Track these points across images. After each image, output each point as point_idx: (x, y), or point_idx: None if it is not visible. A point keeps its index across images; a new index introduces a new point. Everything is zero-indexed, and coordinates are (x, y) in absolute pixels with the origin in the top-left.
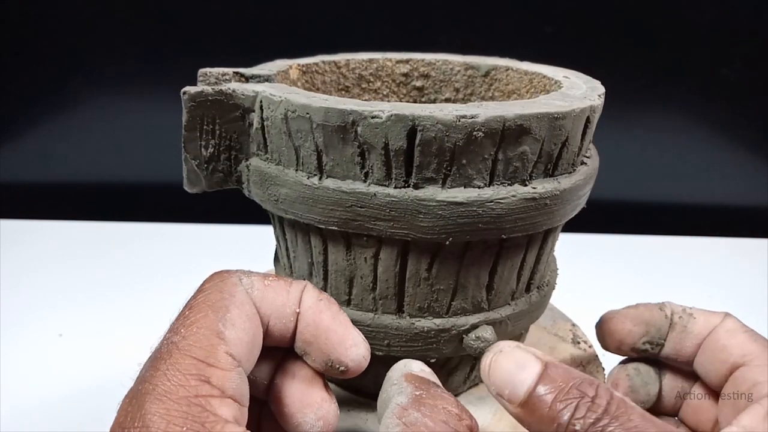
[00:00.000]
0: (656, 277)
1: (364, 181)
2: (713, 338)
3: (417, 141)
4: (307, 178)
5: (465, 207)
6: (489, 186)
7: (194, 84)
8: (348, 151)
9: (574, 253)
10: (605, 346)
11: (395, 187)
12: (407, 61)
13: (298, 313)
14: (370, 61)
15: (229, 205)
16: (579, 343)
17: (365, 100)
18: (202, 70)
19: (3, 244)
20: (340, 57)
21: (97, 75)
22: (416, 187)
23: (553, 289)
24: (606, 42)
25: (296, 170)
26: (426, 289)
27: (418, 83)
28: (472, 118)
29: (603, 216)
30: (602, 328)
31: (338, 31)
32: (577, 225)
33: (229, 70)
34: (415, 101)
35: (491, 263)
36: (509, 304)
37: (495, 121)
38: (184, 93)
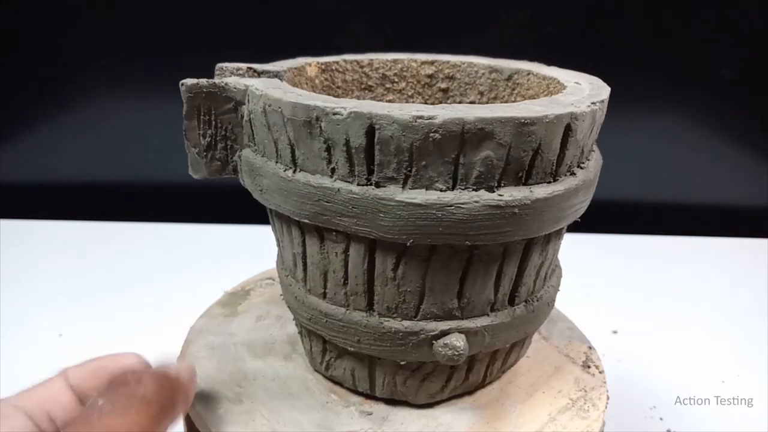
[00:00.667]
0: (656, 277)
1: (331, 177)
2: None
3: (376, 139)
4: (284, 171)
5: (424, 209)
6: (452, 190)
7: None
8: (315, 146)
9: (574, 253)
10: None
11: (358, 184)
12: (432, 63)
13: None
14: (395, 61)
15: (229, 205)
16: (589, 367)
17: (389, 100)
18: (219, 65)
19: (3, 244)
20: (364, 56)
21: (97, 75)
22: (377, 185)
23: (549, 305)
24: (606, 42)
25: (276, 162)
26: (393, 289)
27: (443, 85)
28: (429, 119)
29: (603, 216)
30: None
31: (335, 32)
32: (577, 225)
33: (243, 66)
34: (440, 102)
35: (461, 270)
36: (487, 315)
37: (453, 123)
38: (182, 84)
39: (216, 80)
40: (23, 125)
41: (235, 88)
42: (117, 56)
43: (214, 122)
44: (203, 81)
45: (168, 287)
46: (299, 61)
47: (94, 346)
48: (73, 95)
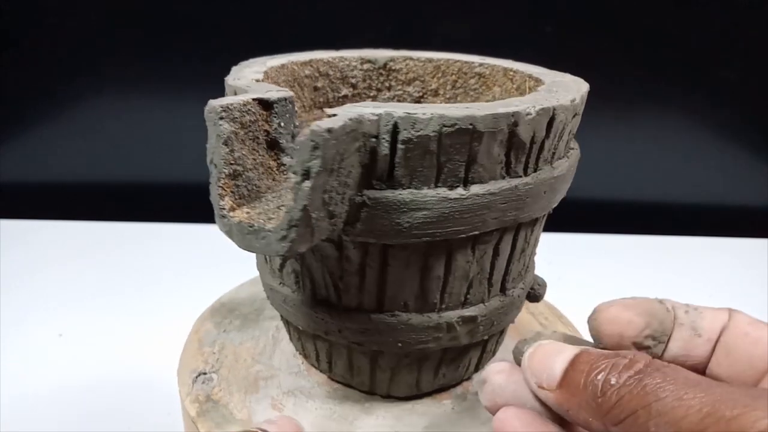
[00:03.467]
0: (656, 277)
1: (504, 178)
2: (730, 341)
3: (553, 127)
4: (451, 191)
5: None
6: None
7: (194, 85)
8: (495, 152)
9: (574, 253)
10: (600, 340)
11: (527, 174)
12: (309, 62)
13: None
14: (282, 66)
15: None
16: None
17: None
18: (222, 104)
19: (3, 244)
20: (269, 65)
21: (98, 75)
22: (539, 170)
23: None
24: (606, 42)
25: (434, 188)
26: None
27: (319, 84)
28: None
29: (602, 216)
30: (598, 319)
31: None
32: (577, 225)
33: (248, 98)
34: (312, 101)
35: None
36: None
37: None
38: (329, 131)
39: (353, 115)
40: (23, 125)
41: (369, 120)
42: (117, 56)
43: (340, 170)
44: (347, 120)
45: (168, 287)
46: (244, 81)
47: (94, 347)
48: (74, 95)
